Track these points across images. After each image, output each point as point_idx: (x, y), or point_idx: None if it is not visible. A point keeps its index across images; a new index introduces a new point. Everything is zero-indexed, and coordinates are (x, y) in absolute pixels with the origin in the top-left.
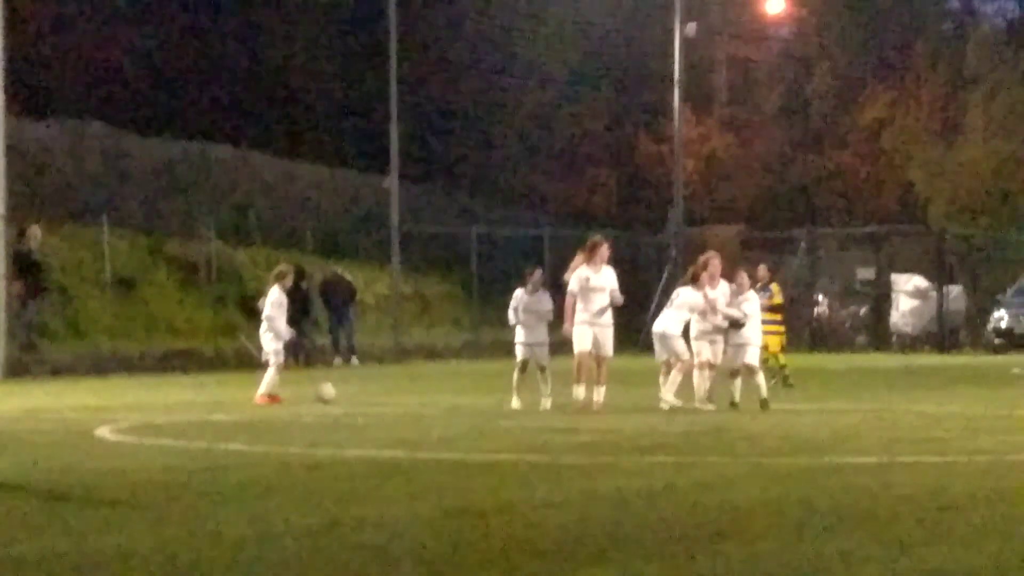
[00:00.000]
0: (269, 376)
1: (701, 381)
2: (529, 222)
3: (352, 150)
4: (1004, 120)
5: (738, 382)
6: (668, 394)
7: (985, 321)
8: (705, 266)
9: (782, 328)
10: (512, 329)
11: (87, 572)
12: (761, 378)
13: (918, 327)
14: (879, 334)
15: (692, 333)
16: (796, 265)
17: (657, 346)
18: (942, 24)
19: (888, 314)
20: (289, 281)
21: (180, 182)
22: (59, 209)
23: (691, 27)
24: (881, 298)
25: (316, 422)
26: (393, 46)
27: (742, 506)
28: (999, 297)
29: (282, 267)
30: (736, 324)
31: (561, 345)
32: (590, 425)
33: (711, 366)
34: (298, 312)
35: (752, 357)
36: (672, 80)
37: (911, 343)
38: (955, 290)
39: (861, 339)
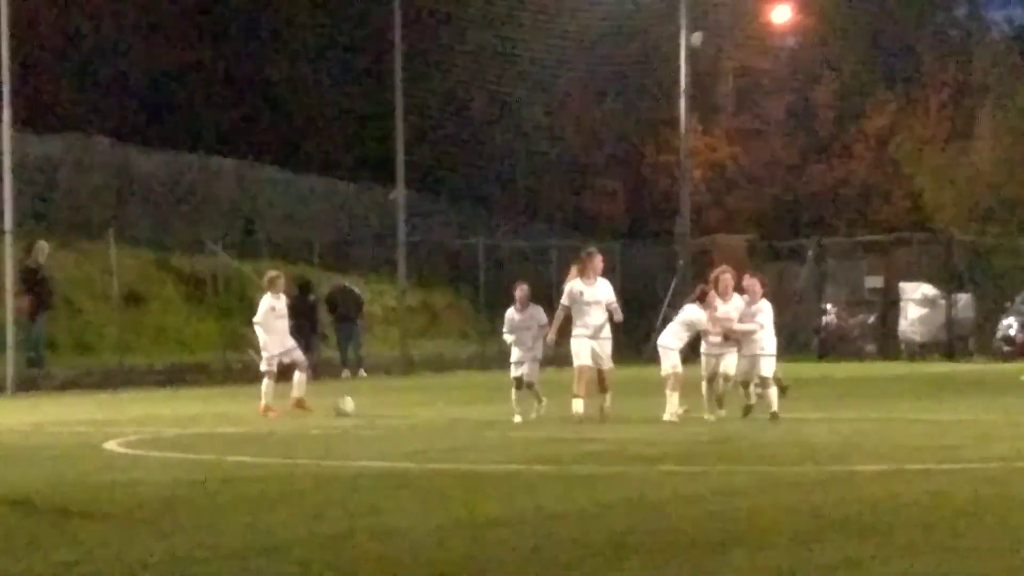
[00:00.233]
0: (264, 386)
1: (709, 393)
2: (536, 233)
3: (358, 162)
4: (1012, 127)
5: (752, 389)
6: (667, 415)
7: (994, 329)
8: (716, 283)
9: None
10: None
11: None
12: (774, 391)
13: (927, 335)
14: (887, 342)
15: (701, 348)
16: (804, 274)
17: (661, 358)
18: (949, 31)
19: (896, 322)
20: (280, 286)
21: (187, 196)
22: (66, 224)
23: (697, 37)
24: (889, 306)
25: (324, 434)
26: (398, 58)
27: (751, 514)
28: (1008, 305)
29: (271, 273)
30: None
31: (553, 357)
32: (599, 435)
33: (725, 378)
34: (305, 324)
35: (767, 368)
36: (678, 90)
37: (920, 351)
38: (963, 298)
39: (869, 347)
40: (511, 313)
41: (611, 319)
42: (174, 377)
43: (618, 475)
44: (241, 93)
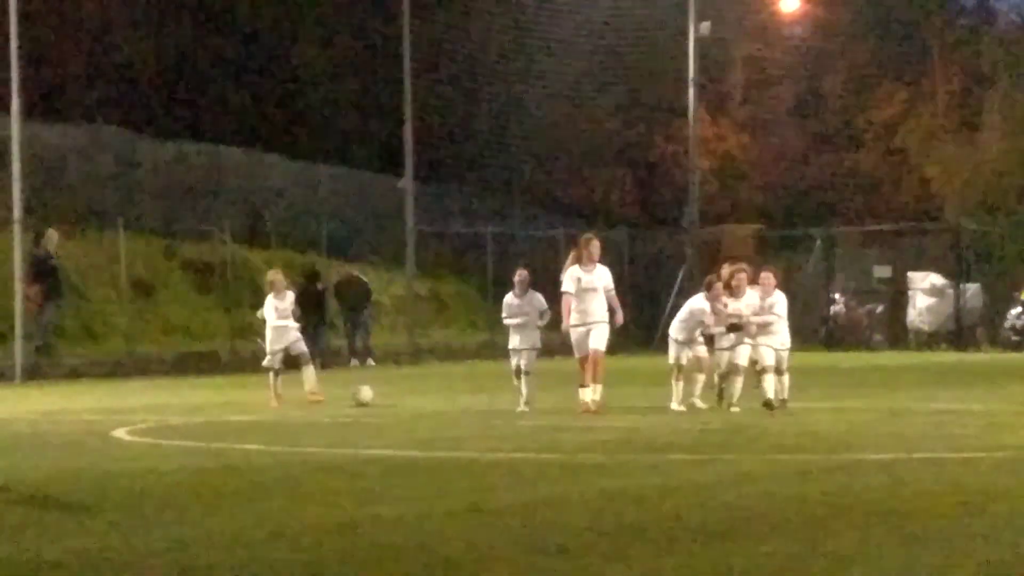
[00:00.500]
0: (270, 380)
1: (728, 384)
2: (545, 222)
3: (367, 151)
4: (1021, 117)
5: (769, 379)
6: (673, 403)
7: (1002, 318)
8: (731, 277)
9: None
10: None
11: (104, 573)
12: (786, 380)
13: (935, 325)
14: (896, 332)
15: (716, 343)
16: (812, 263)
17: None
18: (958, 21)
19: (905, 312)
20: (280, 286)
21: (195, 185)
22: (74, 213)
23: (705, 26)
24: (898, 296)
25: (331, 422)
26: (407, 47)
27: (759, 503)
28: (1016, 294)
29: (269, 275)
30: (734, 328)
31: (559, 346)
32: (606, 424)
33: (737, 370)
34: (313, 313)
35: (782, 360)
36: (687, 79)
37: (928, 341)
38: (972, 287)
39: (878, 337)
40: (509, 298)
41: (611, 310)
42: (182, 365)
43: (625, 464)
44: (250, 82)
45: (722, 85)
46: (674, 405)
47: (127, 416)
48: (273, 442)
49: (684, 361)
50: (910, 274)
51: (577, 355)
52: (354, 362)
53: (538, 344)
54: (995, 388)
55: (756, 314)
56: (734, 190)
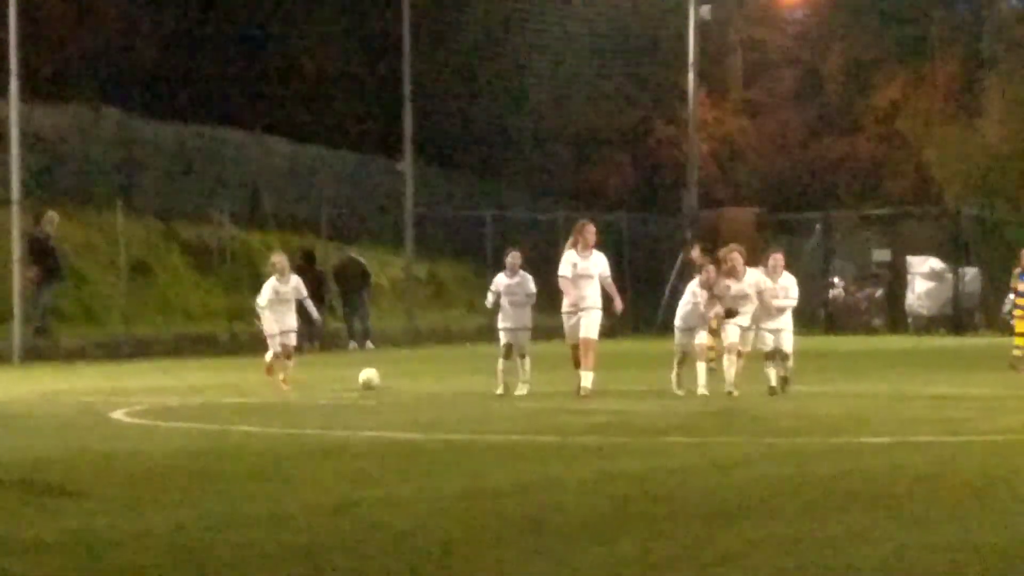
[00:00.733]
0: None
1: (729, 366)
2: (544, 205)
3: (366, 134)
4: (1021, 101)
5: (775, 367)
6: (700, 387)
7: (1001, 303)
8: (725, 262)
9: None
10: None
11: (102, 553)
12: (790, 364)
13: (934, 309)
14: (895, 316)
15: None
16: (811, 247)
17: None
18: (958, 4)
19: (904, 296)
20: (283, 270)
21: (194, 167)
22: (73, 195)
23: (706, 10)
24: (897, 280)
25: (330, 404)
26: (406, 28)
27: (756, 485)
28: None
29: (273, 258)
30: (730, 313)
31: (548, 330)
32: (604, 407)
33: (739, 353)
34: (311, 296)
35: (788, 343)
36: (687, 63)
37: (927, 325)
38: (971, 272)
39: (877, 321)
40: (501, 278)
41: (608, 297)
42: (180, 347)
43: (623, 446)
44: (249, 64)
45: (722, 69)
46: (701, 391)
47: (125, 398)
48: (270, 424)
49: (688, 349)
50: (909, 258)
51: (568, 342)
52: (352, 344)
53: (529, 324)
54: (993, 372)
55: (771, 295)
56: (734, 174)
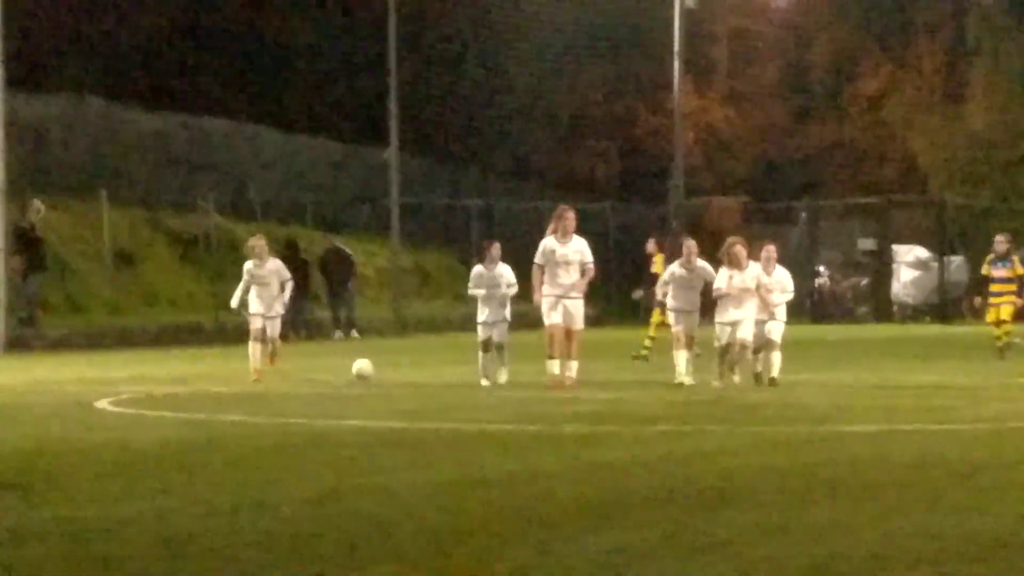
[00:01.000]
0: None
1: (720, 360)
2: (529, 194)
3: (351, 123)
4: (1005, 89)
5: (761, 356)
6: (681, 375)
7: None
8: (728, 249)
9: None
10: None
11: (86, 542)
12: (777, 355)
13: (919, 298)
14: (880, 305)
15: (716, 317)
16: (797, 236)
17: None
18: None
19: (889, 285)
20: (259, 253)
21: (179, 156)
22: (58, 184)
23: None
24: (882, 269)
25: (315, 393)
26: (392, 18)
27: (743, 474)
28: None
29: (249, 241)
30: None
31: (522, 319)
32: (591, 395)
33: (743, 346)
34: (296, 285)
35: (777, 333)
36: (672, 52)
37: (912, 314)
38: (956, 261)
39: (862, 310)
40: (480, 269)
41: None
42: (166, 337)
43: (610, 434)
44: (233, 53)
45: (707, 58)
46: (684, 378)
47: (110, 387)
48: (256, 413)
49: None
50: (895, 247)
51: (546, 322)
52: (338, 334)
53: (508, 316)
54: (978, 361)
55: (769, 289)
56: (719, 163)
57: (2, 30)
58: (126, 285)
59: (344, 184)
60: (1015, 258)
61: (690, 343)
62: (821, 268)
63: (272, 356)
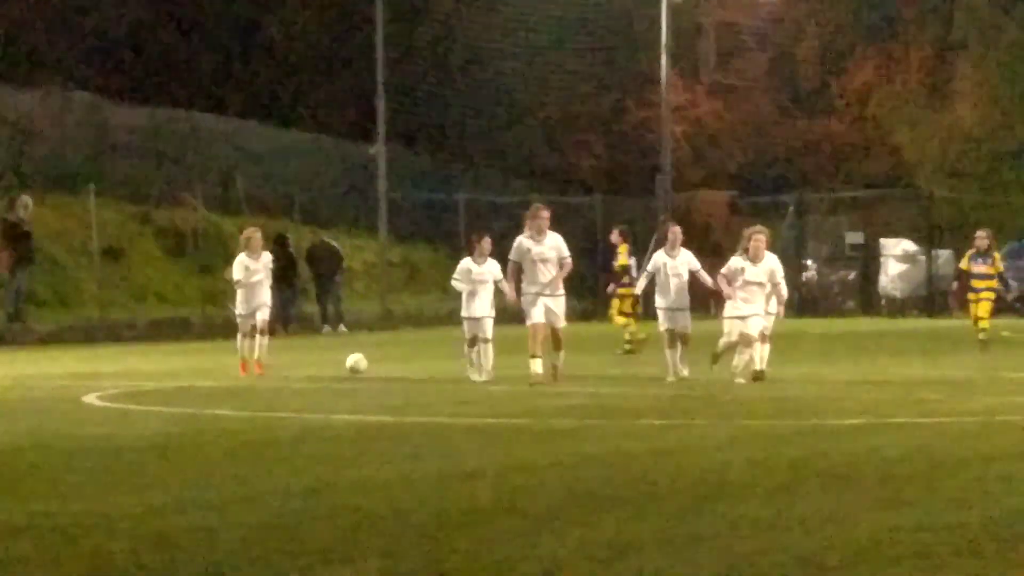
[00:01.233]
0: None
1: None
2: (517, 188)
3: (339, 118)
4: (992, 83)
5: (766, 348)
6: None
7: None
8: (748, 240)
9: (630, 291)
10: (459, 297)
11: (74, 536)
12: (766, 348)
13: (907, 291)
14: (868, 298)
15: (724, 311)
16: (784, 230)
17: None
18: None
19: (877, 278)
20: (254, 246)
21: (166, 151)
22: (45, 178)
23: None
24: (870, 262)
25: (303, 388)
26: (380, 13)
27: (731, 468)
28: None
29: (246, 232)
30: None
31: (505, 313)
32: (578, 390)
33: (752, 341)
34: (283, 278)
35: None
36: (659, 45)
37: (900, 307)
38: (944, 254)
39: (850, 304)
40: (468, 263)
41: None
42: (154, 331)
43: (597, 429)
44: (221, 48)
45: (695, 51)
46: (684, 371)
47: (98, 382)
48: (244, 407)
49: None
50: (882, 240)
51: (528, 322)
52: (326, 328)
53: (492, 312)
54: (966, 354)
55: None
56: (707, 156)
57: None
58: (114, 280)
59: (332, 178)
60: (995, 254)
61: (685, 340)
62: (808, 262)
63: (258, 362)
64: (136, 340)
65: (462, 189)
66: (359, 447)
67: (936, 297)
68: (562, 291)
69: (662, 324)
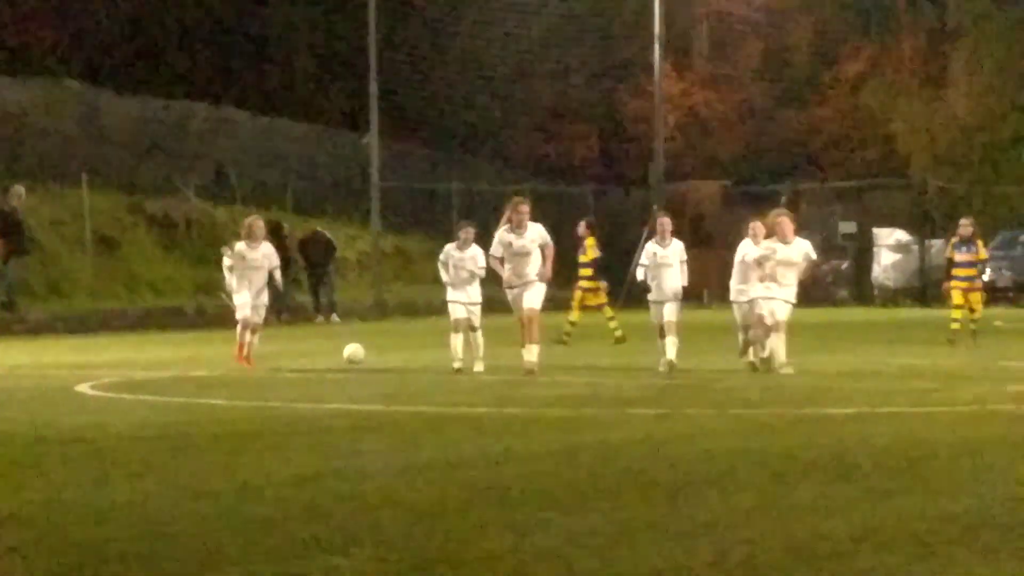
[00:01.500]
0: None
1: (778, 344)
2: (510, 178)
3: (332, 107)
4: (986, 73)
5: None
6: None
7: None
8: (773, 223)
9: (598, 284)
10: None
11: (67, 526)
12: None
13: (900, 281)
14: (861, 288)
15: (731, 295)
16: None
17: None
18: None
19: (870, 268)
20: (256, 234)
21: (159, 141)
22: (38, 168)
23: None
24: (863, 252)
25: (295, 377)
26: (372, 3)
27: (723, 456)
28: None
29: (247, 220)
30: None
31: (498, 302)
32: (571, 379)
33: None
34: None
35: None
36: (652, 35)
37: (893, 297)
38: (937, 244)
39: (843, 293)
40: (451, 249)
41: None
42: (147, 321)
43: (589, 418)
44: (214, 37)
45: (688, 41)
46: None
47: (91, 371)
48: (237, 397)
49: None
50: (875, 230)
51: (516, 316)
52: (319, 318)
53: (479, 299)
54: (959, 343)
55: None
56: (700, 146)
57: None
58: (107, 269)
59: (325, 168)
60: (979, 242)
61: (671, 328)
62: None
63: (248, 356)
64: (129, 329)
65: (454, 179)
66: (352, 436)
67: (929, 286)
68: (541, 278)
69: (654, 316)
